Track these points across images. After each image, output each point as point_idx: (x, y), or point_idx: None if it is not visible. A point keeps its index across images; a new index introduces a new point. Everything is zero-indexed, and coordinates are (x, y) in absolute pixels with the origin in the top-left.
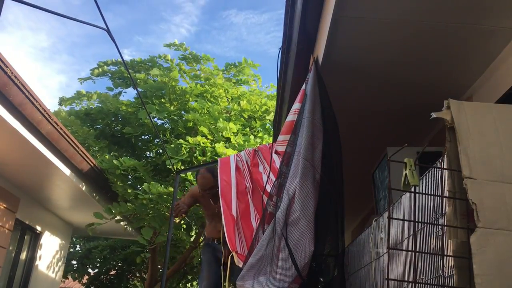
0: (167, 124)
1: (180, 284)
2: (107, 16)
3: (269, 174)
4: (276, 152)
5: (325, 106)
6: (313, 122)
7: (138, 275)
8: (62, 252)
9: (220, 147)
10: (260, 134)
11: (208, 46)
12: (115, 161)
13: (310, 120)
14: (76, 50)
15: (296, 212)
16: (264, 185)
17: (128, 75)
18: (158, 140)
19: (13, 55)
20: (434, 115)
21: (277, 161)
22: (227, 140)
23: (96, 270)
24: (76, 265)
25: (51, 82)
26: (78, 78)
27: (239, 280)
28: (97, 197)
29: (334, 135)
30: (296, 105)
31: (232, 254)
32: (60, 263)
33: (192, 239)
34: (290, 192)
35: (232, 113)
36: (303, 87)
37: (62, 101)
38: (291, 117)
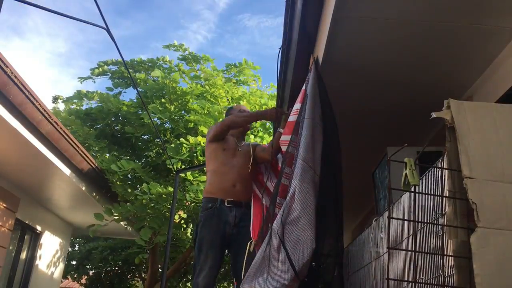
0: (168, 124)
1: (180, 284)
2: (126, 23)
3: (269, 173)
4: (280, 151)
5: (325, 106)
6: (313, 122)
7: (138, 275)
8: (62, 252)
9: None
10: (260, 134)
11: (220, 49)
12: (113, 166)
13: (309, 120)
14: (93, 56)
15: (296, 211)
16: (265, 183)
17: (128, 75)
18: (158, 139)
19: (30, 60)
20: (434, 115)
21: (279, 160)
22: None
23: (96, 270)
24: (75, 266)
25: (66, 87)
26: (78, 78)
27: (243, 284)
28: (97, 197)
29: (334, 135)
30: (297, 106)
31: (251, 242)
32: (60, 263)
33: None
34: (290, 192)
35: None
36: (304, 87)
37: (55, 99)
38: (292, 117)
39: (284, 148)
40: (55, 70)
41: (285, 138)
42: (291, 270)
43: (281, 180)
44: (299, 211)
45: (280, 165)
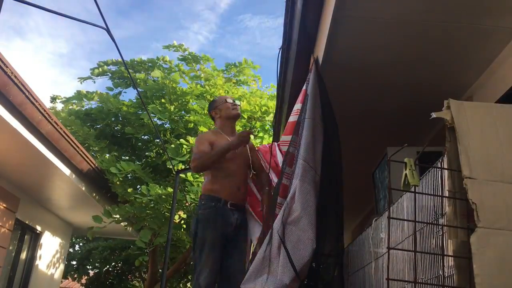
0: (168, 124)
1: (180, 284)
2: (127, 23)
3: (281, 184)
4: (280, 151)
5: (325, 106)
6: (314, 123)
7: (138, 275)
8: (62, 252)
9: None
10: (260, 134)
11: (221, 50)
12: (112, 169)
13: (310, 121)
14: (94, 56)
15: (296, 211)
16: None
17: (128, 75)
18: (158, 140)
19: (31, 60)
20: (434, 115)
21: (279, 159)
22: None
23: (96, 271)
24: (76, 266)
25: (68, 87)
26: (78, 78)
27: (243, 284)
28: (97, 197)
29: (334, 136)
30: (298, 106)
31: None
32: (60, 263)
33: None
34: (290, 192)
35: None
36: (304, 87)
37: (53, 99)
38: (292, 117)
39: (284, 149)
40: (56, 70)
41: (286, 138)
42: (292, 270)
43: (282, 180)
44: (299, 211)
45: (280, 166)
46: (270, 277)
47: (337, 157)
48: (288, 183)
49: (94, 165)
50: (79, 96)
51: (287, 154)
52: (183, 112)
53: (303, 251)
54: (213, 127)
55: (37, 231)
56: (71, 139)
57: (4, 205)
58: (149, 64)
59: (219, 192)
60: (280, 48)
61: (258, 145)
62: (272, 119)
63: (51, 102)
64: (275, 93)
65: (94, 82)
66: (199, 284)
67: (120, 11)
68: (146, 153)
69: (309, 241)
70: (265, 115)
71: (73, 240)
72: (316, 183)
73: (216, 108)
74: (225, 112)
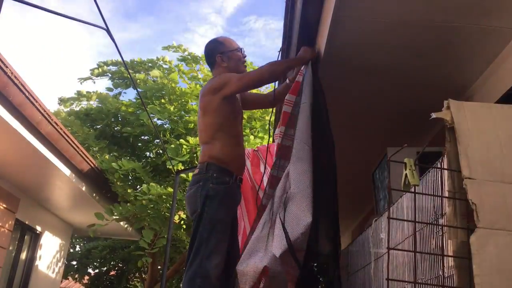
0: (167, 125)
1: (180, 284)
2: (135, 26)
3: (269, 175)
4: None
5: (318, 96)
6: (309, 108)
7: (138, 275)
8: (62, 252)
9: None
10: (260, 134)
11: None
12: (113, 164)
13: (305, 105)
14: (100, 59)
15: (289, 188)
16: (265, 186)
17: (128, 75)
18: (158, 140)
19: (37, 62)
20: (434, 115)
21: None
22: None
23: (96, 271)
24: (76, 266)
25: (73, 89)
26: (78, 78)
27: (238, 266)
28: (97, 198)
29: (329, 137)
30: (291, 97)
31: None
32: (60, 263)
33: None
34: (284, 172)
35: None
36: (300, 79)
37: (61, 101)
38: (285, 107)
39: (277, 141)
40: (62, 72)
41: (278, 130)
42: (285, 243)
43: (272, 172)
44: (292, 187)
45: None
46: (265, 254)
47: (332, 158)
48: (280, 175)
49: (94, 165)
50: (79, 96)
51: (281, 147)
52: (182, 112)
53: (297, 225)
54: None
55: (37, 231)
56: (71, 140)
57: (4, 205)
58: (149, 64)
59: (230, 165)
60: (279, 51)
61: (258, 145)
62: (271, 118)
63: (59, 103)
64: None
65: (94, 82)
66: (208, 272)
67: (127, 15)
68: (146, 153)
69: (303, 213)
70: (265, 115)
71: (73, 241)
72: (309, 162)
73: (224, 54)
74: (235, 64)
